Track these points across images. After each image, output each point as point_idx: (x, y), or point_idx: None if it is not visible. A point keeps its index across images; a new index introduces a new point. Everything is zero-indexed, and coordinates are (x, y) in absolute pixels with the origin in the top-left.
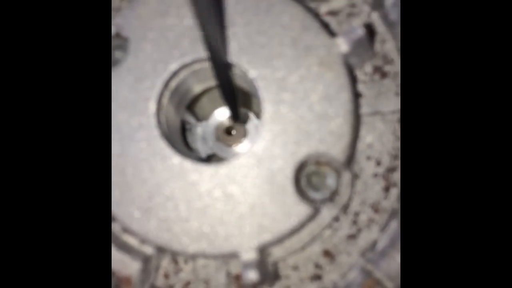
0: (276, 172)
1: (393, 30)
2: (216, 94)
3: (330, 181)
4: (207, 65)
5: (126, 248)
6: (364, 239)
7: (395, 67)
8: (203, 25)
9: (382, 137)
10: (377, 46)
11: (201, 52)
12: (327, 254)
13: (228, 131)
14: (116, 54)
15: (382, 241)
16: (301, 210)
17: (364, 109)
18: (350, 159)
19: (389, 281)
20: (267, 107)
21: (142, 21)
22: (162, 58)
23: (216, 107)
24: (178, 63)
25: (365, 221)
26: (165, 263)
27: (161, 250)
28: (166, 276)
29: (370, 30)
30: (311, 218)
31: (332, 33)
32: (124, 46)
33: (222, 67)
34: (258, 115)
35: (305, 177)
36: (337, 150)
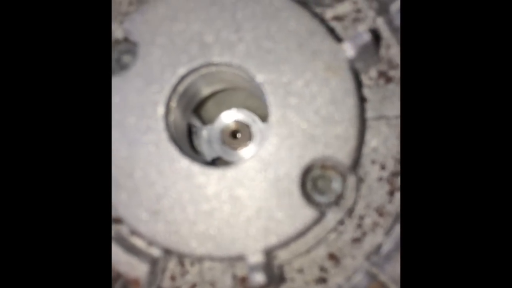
0: (282, 176)
1: (397, 35)
2: (222, 97)
3: (336, 185)
4: (215, 69)
5: (134, 251)
6: (369, 242)
7: (400, 72)
8: None
9: (387, 142)
10: (382, 51)
11: (209, 56)
12: (332, 257)
13: (233, 134)
14: (124, 58)
15: (386, 245)
16: (307, 213)
17: (369, 114)
18: (355, 163)
19: (394, 285)
20: (274, 111)
21: (150, 26)
22: (171, 62)
23: (221, 110)
24: (186, 68)
25: (369, 225)
26: (172, 265)
27: (168, 252)
28: (173, 278)
29: (376, 35)
30: (317, 221)
31: (338, 38)
32: (133, 51)
33: None
34: (263, 119)
35: (311, 181)
36: (343, 154)
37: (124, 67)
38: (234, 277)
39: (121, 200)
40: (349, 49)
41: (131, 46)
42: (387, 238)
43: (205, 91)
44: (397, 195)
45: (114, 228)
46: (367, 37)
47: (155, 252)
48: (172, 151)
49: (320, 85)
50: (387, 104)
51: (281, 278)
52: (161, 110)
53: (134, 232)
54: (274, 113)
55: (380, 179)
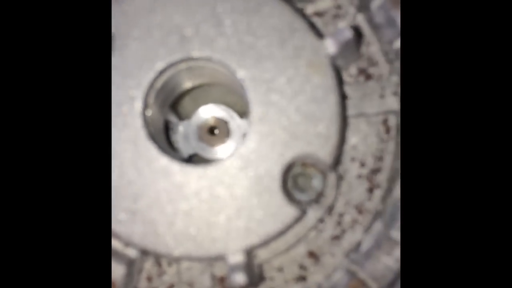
0: (263, 174)
1: (378, 32)
2: (199, 93)
3: (316, 182)
4: (194, 64)
5: None
6: (348, 240)
7: (380, 69)
8: None
9: (367, 139)
10: (362, 48)
11: (189, 50)
12: (312, 255)
13: (211, 130)
14: None
15: (366, 242)
16: (288, 212)
17: (350, 111)
18: (336, 160)
19: (374, 282)
20: (255, 108)
21: (127, 18)
22: (148, 56)
23: (199, 106)
24: (164, 62)
25: (349, 222)
26: (148, 265)
27: (145, 253)
28: (149, 279)
29: (357, 32)
30: (297, 220)
31: (319, 34)
32: None
33: None
34: (241, 115)
35: (292, 179)
36: (324, 152)
37: None
38: (213, 277)
39: None
40: (330, 46)
41: None
42: (366, 235)
43: (184, 86)
44: (376, 193)
45: None
46: (349, 34)
47: (132, 253)
48: (150, 148)
49: (301, 82)
50: (367, 101)
51: (261, 277)
52: (138, 106)
53: None
54: (255, 110)
55: (360, 176)
